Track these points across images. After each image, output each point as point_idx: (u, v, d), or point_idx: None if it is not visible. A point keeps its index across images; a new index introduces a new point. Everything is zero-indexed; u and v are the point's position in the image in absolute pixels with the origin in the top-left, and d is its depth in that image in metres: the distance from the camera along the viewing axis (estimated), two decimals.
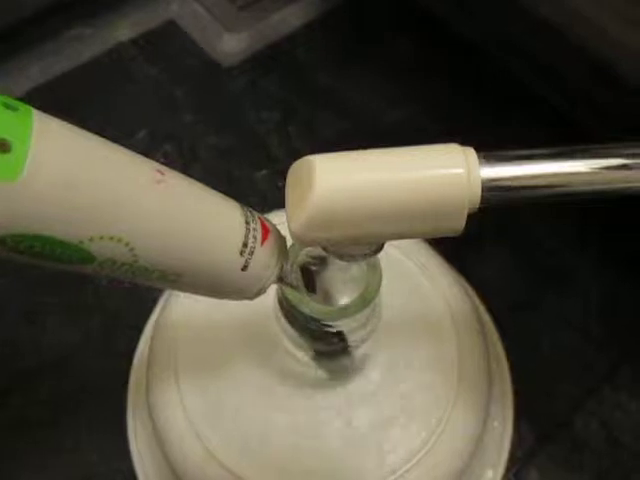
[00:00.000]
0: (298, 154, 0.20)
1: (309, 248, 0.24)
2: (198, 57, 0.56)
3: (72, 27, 0.57)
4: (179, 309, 0.33)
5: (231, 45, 0.57)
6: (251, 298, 0.22)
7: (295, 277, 0.23)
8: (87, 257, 0.16)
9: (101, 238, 0.16)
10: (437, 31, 0.54)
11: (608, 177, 0.18)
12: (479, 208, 0.18)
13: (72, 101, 0.52)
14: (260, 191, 0.47)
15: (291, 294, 0.24)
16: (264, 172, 0.48)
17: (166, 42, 0.57)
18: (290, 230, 0.19)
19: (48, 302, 0.43)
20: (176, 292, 0.34)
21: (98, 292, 0.43)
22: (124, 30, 0.57)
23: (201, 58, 0.56)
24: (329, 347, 0.27)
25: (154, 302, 0.42)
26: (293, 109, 0.52)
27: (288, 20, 0.58)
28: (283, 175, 0.20)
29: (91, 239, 0.16)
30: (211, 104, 0.53)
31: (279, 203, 0.43)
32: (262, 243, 0.20)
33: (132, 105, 0.53)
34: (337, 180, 0.18)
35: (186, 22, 0.58)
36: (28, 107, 0.15)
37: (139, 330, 0.41)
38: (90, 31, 0.57)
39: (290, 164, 0.20)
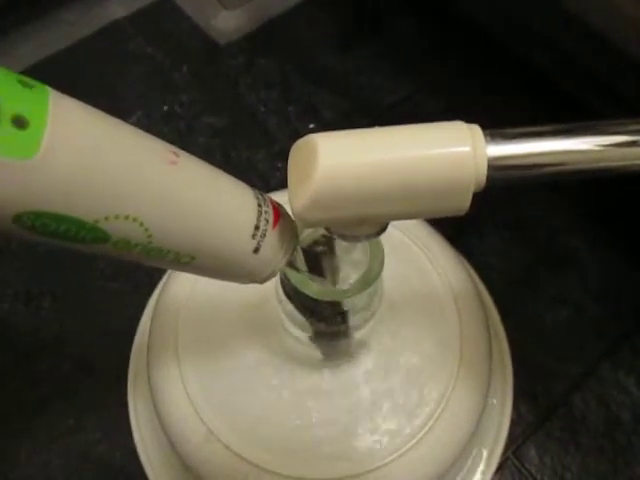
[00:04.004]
0: (298, 134, 0.19)
1: (313, 229, 0.24)
2: (194, 35, 0.55)
3: (64, 5, 0.56)
4: (180, 290, 0.33)
5: (228, 22, 0.56)
6: (260, 282, 0.22)
7: (299, 260, 0.23)
8: (102, 236, 0.16)
9: (116, 217, 0.16)
10: (439, 10, 0.53)
11: (616, 154, 0.18)
12: (484, 187, 0.18)
13: (64, 81, 0.51)
14: (259, 171, 0.47)
15: (292, 275, 0.24)
16: (263, 152, 0.47)
17: (162, 20, 0.56)
18: (293, 210, 0.19)
19: (45, 284, 0.42)
20: (176, 272, 0.33)
21: (97, 273, 0.43)
22: (118, 8, 0.56)
23: (197, 36, 0.55)
24: (330, 328, 0.27)
25: (154, 283, 0.42)
26: (292, 88, 0.51)
27: None
28: (282, 155, 0.20)
29: (106, 218, 0.16)
30: (208, 83, 0.52)
31: (279, 184, 0.43)
32: (274, 226, 0.20)
33: (127, 85, 0.52)
34: (340, 158, 0.17)
35: None
36: (44, 85, 0.15)
37: (139, 311, 0.41)
38: (84, 9, 0.56)
39: (290, 144, 0.20)
